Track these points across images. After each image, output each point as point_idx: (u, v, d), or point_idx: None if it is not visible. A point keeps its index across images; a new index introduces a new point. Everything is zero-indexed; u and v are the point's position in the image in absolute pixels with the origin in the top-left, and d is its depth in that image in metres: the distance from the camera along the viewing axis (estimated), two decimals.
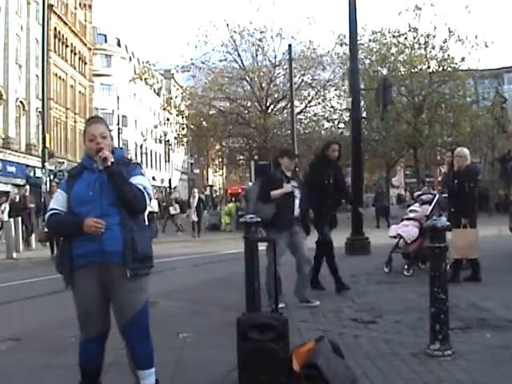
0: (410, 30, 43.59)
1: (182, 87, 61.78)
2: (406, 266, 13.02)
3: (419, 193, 15.71)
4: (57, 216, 5.07)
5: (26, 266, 19.33)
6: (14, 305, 11.60)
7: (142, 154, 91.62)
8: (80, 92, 72.01)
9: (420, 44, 44.05)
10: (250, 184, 33.94)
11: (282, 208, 9.14)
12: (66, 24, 66.46)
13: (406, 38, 44.16)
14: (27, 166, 52.01)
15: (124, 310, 5.01)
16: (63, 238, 5.11)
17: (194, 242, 26.64)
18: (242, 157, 57.53)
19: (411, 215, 13.67)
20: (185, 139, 54.47)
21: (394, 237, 13.37)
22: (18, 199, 27.12)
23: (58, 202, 5.13)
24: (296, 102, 44.08)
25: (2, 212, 26.66)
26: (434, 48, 43.88)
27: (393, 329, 7.97)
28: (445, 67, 43.79)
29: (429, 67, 44.51)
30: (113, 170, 4.97)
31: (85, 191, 4.97)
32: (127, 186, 4.99)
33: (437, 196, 13.58)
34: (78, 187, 5.04)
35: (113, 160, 5.00)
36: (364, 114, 38.23)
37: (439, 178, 68.20)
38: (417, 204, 13.96)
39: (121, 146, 67.88)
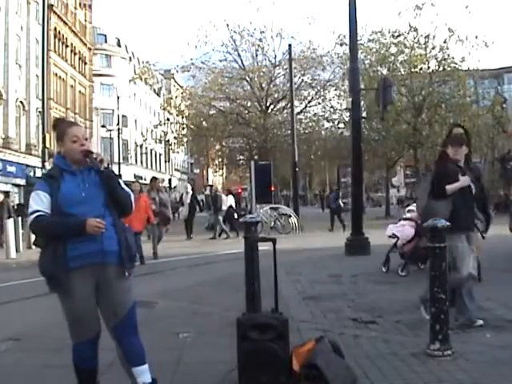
0: (410, 30, 43.56)
1: (181, 87, 61.81)
2: (400, 266, 13.07)
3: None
4: (46, 217, 4.95)
5: (25, 266, 19.31)
6: (14, 305, 11.60)
7: (141, 153, 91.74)
8: (80, 92, 72.12)
9: (420, 44, 43.97)
10: (252, 184, 33.30)
11: (460, 205, 7.98)
12: (66, 24, 66.55)
13: (405, 38, 44.10)
14: (27, 165, 52.06)
15: (117, 309, 5.02)
16: (52, 240, 4.97)
17: (193, 242, 26.51)
18: (242, 157, 57.53)
19: (408, 215, 13.72)
20: (185, 139, 54.45)
21: (391, 236, 13.41)
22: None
23: (41, 203, 4.98)
24: (296, 102, 44.13)
25: None
26: (434, 48, 43.79)
27: (393, 329, 7.97)
28: (445, 67, 43.74)
29: (429, 67, 44.42)
30: (110, 173, 5.05)
31: (76, 192, 4.95)
32: (121, 188, 5.09)
33: None
34: (66, 188, 4.97)
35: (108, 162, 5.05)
36: (364, 114, 38.18)
37: None
38: (414, 204, 13.96)
39: (120, 145, 67.99)
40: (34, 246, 25.98)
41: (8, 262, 21.44)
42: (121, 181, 5.19)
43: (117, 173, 5.38)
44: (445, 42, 43.31)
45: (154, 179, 21.40)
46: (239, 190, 55.41)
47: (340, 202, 33.07)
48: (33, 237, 24.03)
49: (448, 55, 43.67)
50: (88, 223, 4.77)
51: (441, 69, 43.97)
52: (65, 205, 4.93)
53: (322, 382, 5.20)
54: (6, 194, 33.34)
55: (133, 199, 5.19)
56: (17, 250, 23.49)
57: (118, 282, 4.96)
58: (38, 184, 5.16)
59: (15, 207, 38.53)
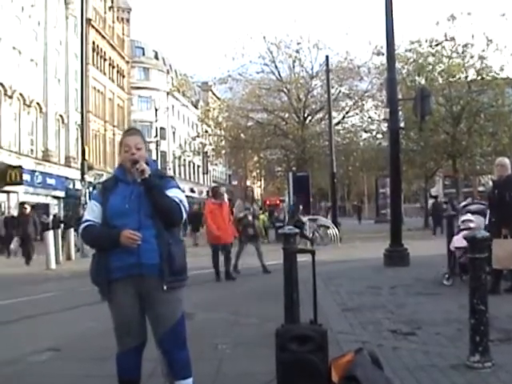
0: (446, 40, 43.34)
1: (219, 99, 61.97)
2: (446, 276, 12.92)
3: (465, 203, 15.51)
4: (92, 228, 5.06)
5: (65, 277, 19.49)
6: (54, 315, 11.68)
7: (180, 165, 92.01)
8: (118, 105, 72.64)
9: (458, 53, 43.75)
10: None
11: None
12: (104, 38, 67.13)
13: (443, 48, 43.89)
14: (66, 178, 52.53)
15: (161, 321, 5.01)
16: (98, 250, 5.10)
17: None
18: (279, 168, 57.54)
19: (471, 225, 13.35)
20: (223, 151, 54.55)
21: (459, 248, 13.04)
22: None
23: (92, 213, 5.12)
24: (334, 113, 44.04)
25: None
26: (472, 57, 43.56)
27: (432, 340, 7.89)
28: (483, 76, 43.40)
29: (467, 76, 44.15)
30: (150, 183, 4.98)
31: (121, 204, 4.98)
32: (164, 198, 4.98)
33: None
34: (113, 199, 5.04)
35: (150, 172, 5.02)
36: (402, 124, 38.04)
37: (479, 188, 67.84)
38: (469, 214, 13.70)
39: (159, 158, 68.26)
40: (73, 258, 26.47)
41: (48, 272, 21.64)
42: (174, 190, 5.14)
43: (173, 181, 5.34)
44: (483, 50, 43.06)
45: (251, 191, 21.21)
46: (277, 202, 55.39)
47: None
48: (72, 249, 24.43)
49: (486, 64, 43.37)
50: (122, 235, 4.80)
51: (479, 78, 43.62)
52: (110, 216, 4.99)
53: None
54: (33, 206, 33.51)
55: (183, 209, 5.08)
56: (56, 262, 23.73)
57: (159, 294, 4.93)
58: (94, 194, 5.29)
59: (53, 219, 38.91)
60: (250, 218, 18.48)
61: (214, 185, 20.29)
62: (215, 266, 16.86)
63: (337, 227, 32.31)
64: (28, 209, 27.73)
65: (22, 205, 28.92)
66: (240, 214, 18.52)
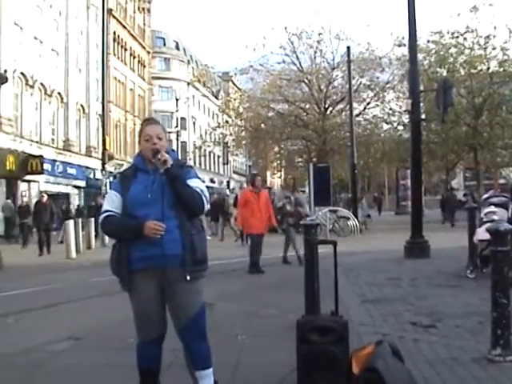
0: (468, 31, 43.11)
1: (240, 90, 61.97)
2: (469, 268, 12.87)
3: (487, 195, 15.40)
4: (113, 218, 5.02)
5: (85, 267, 19.56)
6: (74, 305, 11.74)
7: (200, 156, 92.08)
8: (139, 95, 72.69)
9: (480, 45, 43.52)
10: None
11: None
12: (124, 28, 67.15)
13: (465, 39, 43.67)
14: (87, 167, 52.71)
15: (182, 312, 5.00)
16: (119, 241, 5.07)
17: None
18: (300, 159, 57.48)
19: (494, 217, 13.24)
20: (243, 141, 54.54)
21: (483, 240, 12.95)
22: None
23: (112, 203, 5.06)
24: (355, 104, 43.81)
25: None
26: (494, 49, 43.33)
27: (453, 333, 7.86)
28: (505, 68, 43.15)
29: (489, 68, 43.92)
30: (173, 173, 4.93)
31: (143, 193, 4.94)
32: (187, 188, 4.95)
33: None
34: (134, 189, 4.99)
35: (172, 162, 4.99)
36: (423, 116, 37.87)
37: (500, 181, 67.53)
38: (492, 207, 13.62)
39: (179, 148, 68.36)
40: (93, 247, 26.60)
41: (68, 262, 21.75)
42: (194, 180, 5.10)
43: (193, 171, 5.27)
44: (505, 42, 42.82)
45: (292, 180, 20.30)
46: None
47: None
48: (93, 237, 24.50)
49: (508, 56, 43.11)
50: (146, 226, 4.76)
51: (501, 70, 43.36)
52: (131, 206, 4.95)
53: None
54: (52, 196, 33.68)
55: (204, 199, 5.05)
56: (77, 251, 23.85)
57: (181, 285, 4.91)
58: (113, 183, 5.25)
59: (77, 209, 39.06)
60: (289, 207, 18.12)
61: (253, 172, 19.22)
62: (251, 255, 16.29)
63: (357, 219, 32.31)
64: (45, 197, 27.72)
65: (41, 193, 28.99)
66: (279, 203, 18.28)
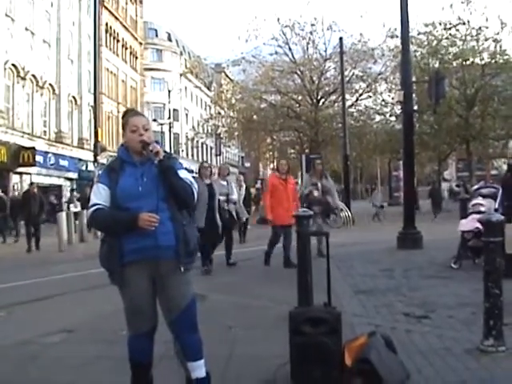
0: (460, 23, 43.13)
1: (232, 81, 61.94)
2: (453, 259, 12.92)
3: (477, 186, 15.44)
4: (103, 211, 4.95)
5: (77, 259, 19.56)
6: (66, 297, 11.77)
7: (192, 147, 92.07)
8: (131, 86, 72.63)
9: (472, 36, 43.55)
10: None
11: None
12: (117, 19, 67.08)
13: (457, 30, 43.69)
14: (79, 159, 52.64)
15: (174, 303, 4.98)
16: (108, 234, 5.05)
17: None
18: (292, 150, 57.51)
19: (482, 209, 13.28)
20: (235, 133, 54.53)
21: (467, 231, 12.99)
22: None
23: (100, 196, 4.99)
24: (347, 95, 43.87)
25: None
26: (486, 40, 43.35)
27: (446, 324, 7.88)
28: (497, 60, 43.19)
29: (481, 60, 43.97)
30: (166, 164, 4.92)
31: (133, 186, 4.90)
32: (179, 180, 4.93)
33: (500, 189, 13.33)
34: (124, 182, 4.94)
35: (164, 154, 4.97)
36: (415, 107, 37.89)
37: (492, 172, 67.71)
38: (480, 198, 13.67)
39: (171, 139, 68.30)
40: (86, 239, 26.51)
41: (60, 254, 21.73)
42: (183, 171, 5.07)
43: (179, 162, 5.25)
44: (497, 33, 42.86)
45: (317, 163, 17.37)
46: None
47: None
48: (85, 230, 24.32)
49: (500, 47, 43.16)
50: (140, 218, 4.73)
51: (493, 61, 43.40)
52: (122, 199, 4.90)
53: (375, 376, 5.17)
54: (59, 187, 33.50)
55: (195, 190, 5.03)
56: (69, 243, 23.79)
57: (174, 276, 4.91)
58: (100, 176, 5.19)
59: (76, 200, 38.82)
60: (316, 194, 16.14)
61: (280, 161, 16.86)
62: (270, 246, 15.17)
63: (349, 210, 32.33)
64: (35, 188, 26.05)
65: (31, 185, 28.41)
66: (305, 190, 16.49)
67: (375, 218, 36.67)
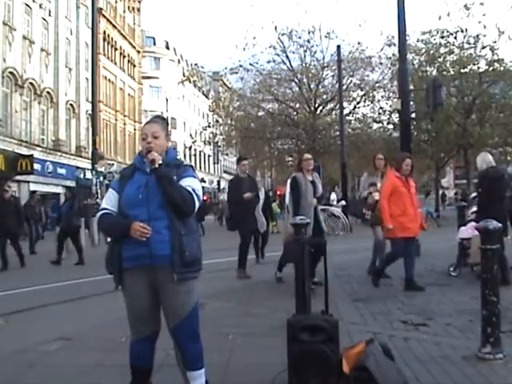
0: (458, 31, 43.20)
1: (230, 89, 62.01)
2: (451, 267, 12.94)
3: (474, 194, 15.44)
4: (108, 216, 5.06)
5: (75, 267, 19.54)
6: (65, 305, 11.73)
7: (190, 155, 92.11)
8: (129, 94, 72.67)
9: (469, 44, 43.63)
10: None
11: None
12: (114, 27, 67.17)
13: (455, 38, 43.77)
14: (77, 167, 52.58)
15: (173, 312, 5.01)
16: (113, 239, 5.13)
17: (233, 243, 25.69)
18: (290, 158, 57.44)
19: (472, 217, 13.34)
20: (233, 141, 54.50)
21: (466, 239, 12.96)
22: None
23: (109, 201, 5.11)
24: (345, 103, 43.95)
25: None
26: (483, 48, 43.42)
27: (443, 331, 7.90)
28: (495, 67, 43.27)
29: (479, 67, 44.03)
30: (160, 173, 4.95)
31: (135, 193, 4.96)
32: (175, 188, 4.93)
33: None
34: (128, 189, 5.02)
35: (161, 162, 4.98)
36: (413, 115, 37.89)
37: None
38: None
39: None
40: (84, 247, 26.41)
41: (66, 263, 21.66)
42: (189, 179, 5.08)
43: (191, 170, 5.27)
44: (494, 42, 42.93)
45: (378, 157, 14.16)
46: (277, 192, 55.46)
47: None
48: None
49: (498, 55, 43.24)
50: (132, 228, 4.79)
51: (490, 69, 43.47)
52: (124, 206, 4.99)
53: None
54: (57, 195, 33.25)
55: (196, 198, 5.01)
56: (67, 251, 23.68)
57: (170, 285, 4.92)
58: (113, 182, 5.28)
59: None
60: (377, 197, 12.93)
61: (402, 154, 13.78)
62: (387, 263, 12.48)
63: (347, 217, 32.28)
64: (8, 193, 20.90)
65: (33, 193, 27.55)
66: (364, 192, 13.88)
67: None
